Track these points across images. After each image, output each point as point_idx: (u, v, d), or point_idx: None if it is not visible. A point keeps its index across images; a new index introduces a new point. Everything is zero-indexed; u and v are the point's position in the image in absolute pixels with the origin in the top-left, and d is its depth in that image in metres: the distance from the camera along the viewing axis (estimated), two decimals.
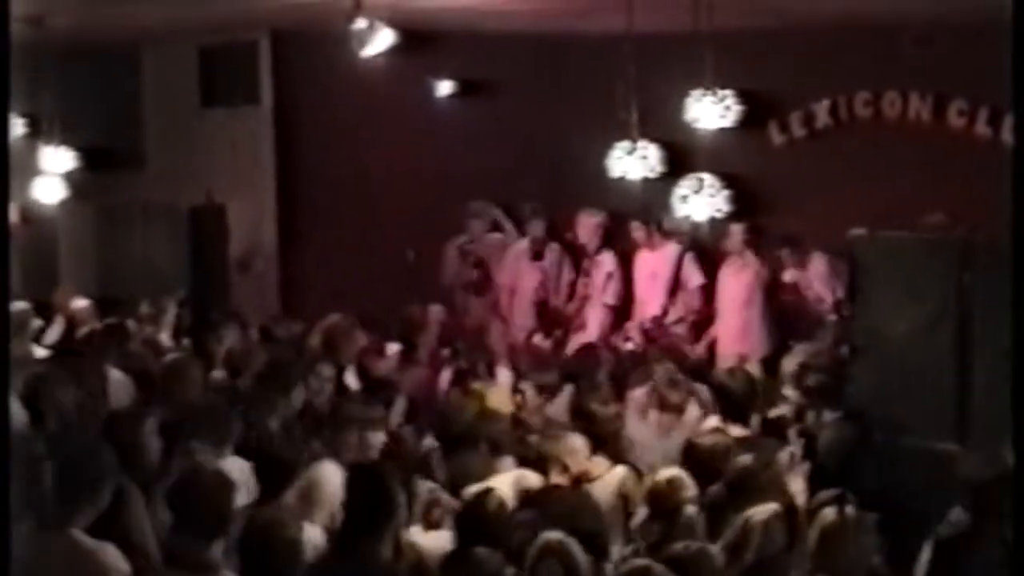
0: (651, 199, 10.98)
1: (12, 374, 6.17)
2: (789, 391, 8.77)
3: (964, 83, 10.80)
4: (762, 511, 5.71)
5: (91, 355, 8.80)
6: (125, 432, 6.42)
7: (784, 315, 11.24)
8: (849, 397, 8.07)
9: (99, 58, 13.67)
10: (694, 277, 11.80)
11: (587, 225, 12.28)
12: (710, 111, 9.95)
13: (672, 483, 6.40)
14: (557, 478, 6.94)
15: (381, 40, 8.92)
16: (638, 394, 8.51)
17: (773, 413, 8.54)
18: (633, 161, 9.59)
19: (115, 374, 8.47)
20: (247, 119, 13.58)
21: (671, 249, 11.89)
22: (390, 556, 5.32)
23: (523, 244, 12.66)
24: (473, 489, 6.32)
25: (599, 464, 7.17)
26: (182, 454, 6.38)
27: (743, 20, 9.80)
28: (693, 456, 6.82)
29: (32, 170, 11.79)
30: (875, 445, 7.56)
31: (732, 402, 8.32)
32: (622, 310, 12.15)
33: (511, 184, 12.90)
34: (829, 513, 5.57)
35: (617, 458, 7.45)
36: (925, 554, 5.98)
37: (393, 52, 9.34)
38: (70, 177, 12.10)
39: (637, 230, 11.94)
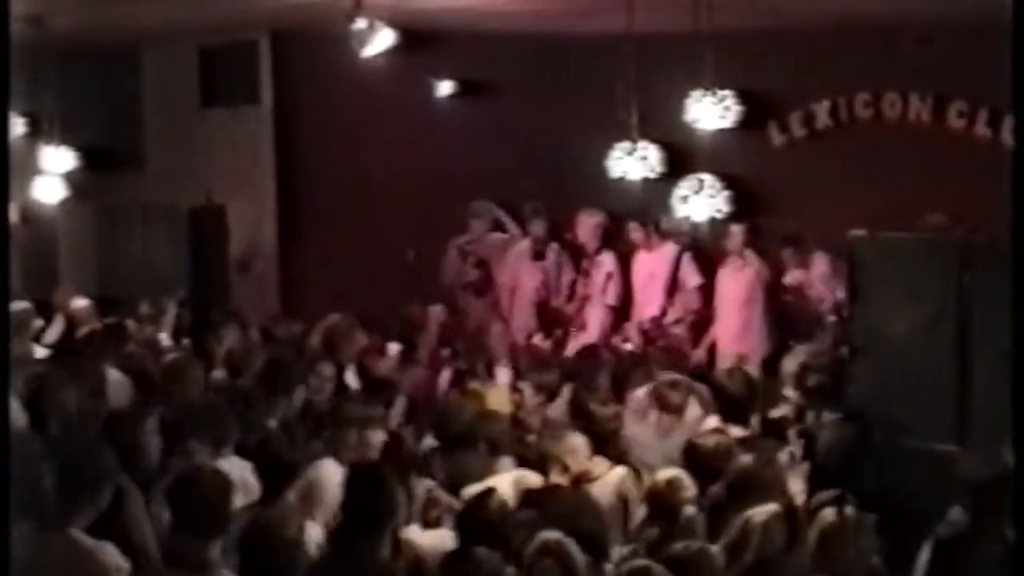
0: (651, 200, 10.98)
1: (12, 374, 6.16)
2: (789, 391, 8.76)
3: (964, 84, 10.80)
4: (762, 511, 5.71)
5: (90, 355, 8.80)
6: (125, 432, 6.43)
7: (784, 315, 11.25)
8: (849, 397, 8.07)
9: (99, 58, 13.67)
10: (692, 277, 11.80)
11: (587, 225, 12.28)
12: (710, 111, 9.96)
13: (671, 483, 6.40)
14: (557, 478, 6.94)
15: (381, 40, 8.92)
16: (638, 395, 8.52)
17: (773, 414, 8.54)
18: (633, 161, 9.60)
19: (113, 374, 8.47)
20: (247, 119, 13.58)
21: (669, 250, 11.89)
22: (389, 555, 5.32)
23: (524, 244, 12.66)
24: (474, 489, 6.33)
25: (599, 465, 7.17)
26: (182, 454, 6.39)
27: (743, 20, 9.80)
28: (694, 457, 6.81)
29: (32, 170, 11.79)
30: (875, 445, 7.56)
31: (731, 403, 8.32)
32: (622, 311, 12.15)
33: (511, 184, 12.90)
34: (829, 514, 5.57)
35: (617, 458, 7.46)
36: (924, 554, 5.98)
37: (393, 52, 9.34)
38: (70, 177, 12.10)
39: (635, 231, 11.94)
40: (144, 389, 8.30)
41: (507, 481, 6.70)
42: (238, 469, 6.27)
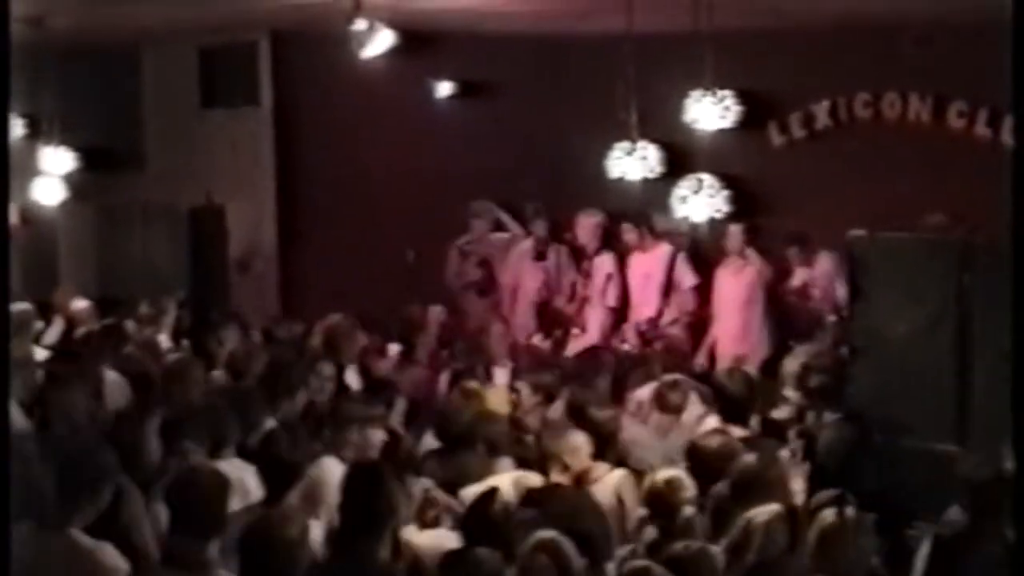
0: (650, 200, 10.98)
1: (12, 375, 6.17)
2: (790, 392, 8.76)
3: (964, 84, 10.81)
4: (764, 512, 5.71)
5: (88, 356, 8.80)
6: (126, 433, 6.44)
7: (783, 315, 11.25)
8: (848, 398, 8.07)
9: (99, 59, 13.67)
10: (687, 278, 11.81)
11: (586, 226, 12.27)
12: (710, 112, 9.96)
13: (671, 484, 6.39)
14: (558, 477, 6.94)
15: (381, 41, 8.92)
16: (638, 395, 8.51)
17: (775, 414, 8.53)
18: (632, 162, 9.60)
19: (111, 375, 8.47)
20: (247, 120, 13.58)
21: (664, 250, 11.90)
22: (389, 556, 5.32)
23: (526, 244, 12.65)
24: (476, 489, 6.32)
25: (599, 467, 7.16)
26: (182, 455, 6.40)
27: (743, 21, 9.80)
28: (697, 457, 6.79)
29: (32, 171, 11.79)
30: (875, 445, 7.55)
31: (731, 403, 8.31)
32: (621, 311, 12.15)
33: (511, 185, 12.91)
34: (828, 514, 5.57)
35: (616, 461, 7.45)
36: (923, 553, 5.98)
37: (393, 53, 9.34)
38: (70, 178, 12.11)
39: (628, 232, 11.95)
40: (143, 390, 8.31)
41: (507, 482, 6.69)
42: (237, 471, 6.28)
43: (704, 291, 11.71)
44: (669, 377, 8.46)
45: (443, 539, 5.92)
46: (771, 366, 9.94)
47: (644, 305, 11.87)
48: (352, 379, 9.05)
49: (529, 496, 6.09)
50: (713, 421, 7.97)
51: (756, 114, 11.43)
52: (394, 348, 10.51)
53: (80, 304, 11.34)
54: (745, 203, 10.74)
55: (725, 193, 9.18)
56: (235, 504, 5.53)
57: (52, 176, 11.93)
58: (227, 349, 9.67)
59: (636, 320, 11.81)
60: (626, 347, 11.01)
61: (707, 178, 9.03)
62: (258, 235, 13.62)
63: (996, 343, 7.06)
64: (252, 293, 13.40)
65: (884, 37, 10.98)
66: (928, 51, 10.99)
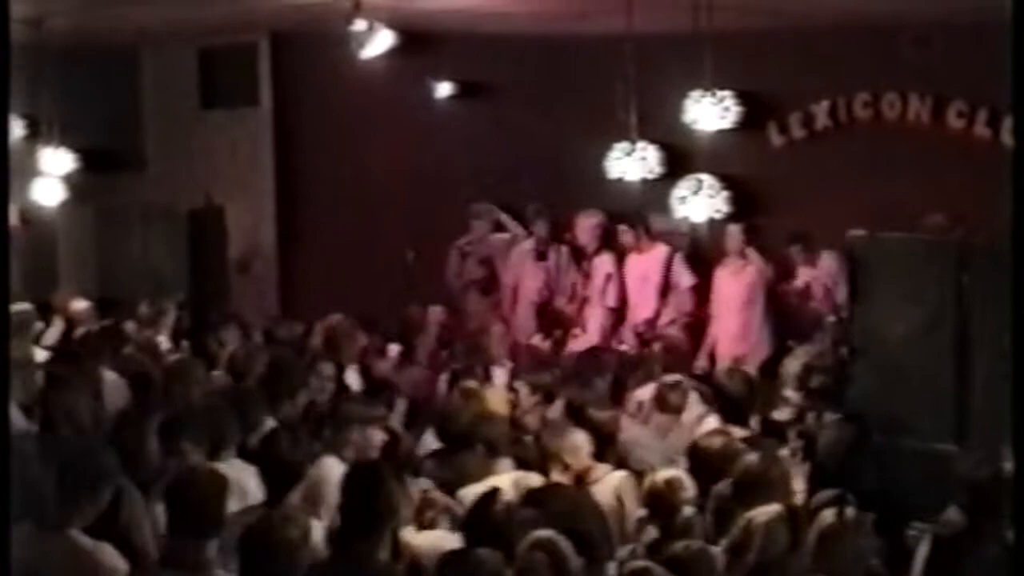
0: (649, 200, 10.98)
1: (12, 375, 6.17)
2: (791, 393, 8.76)
3: (963, 84, 10.80)
4: (764, 512, 5.71)
5: (86, 357, 8.80)
6: (127, 433, 6.44)
7: (783, 316, 11.25)
8: (848, 398, 8.08)
9: (99, 60, 13.67)
10: (685, 278, 11.80)
11: (585, 226, 12.27)
12: (709, 112, 9.95)
13: (670, 484, 6.39)
14: (558, 476, 6.93)
15: (380, 42, 8.93)
16: (638, 395, 8.52)
17: (776, 415, 8.53)
18: (632, 162, 9.59)
19: (110, 376, 8.46)
20: (246, 121, 13.59)
21: (660, 251, 11.89)
22: (388, 557, 5.32)
23: (527, 244, 12.65)
24: (475, 490, 6.32)
25: (599, 466, 7.16)
26: (180, 455, 6.40)
27: (742, 21, 9.80)
28: (699, 458, 6.79)
29: (32, 172, 11.78)
30: (874, 446, 7.56)
31: (731, 403, 8.31)
32: (621, 312, 12.14)
33: (510, 185, 12.90)
34: (828, 514, 5.57)
35: (616, 461, 7.45)
36: (921, 554, 5.98)
37: (392, 54, 9.35)
38: (70, 179, 12.10)
39: (625, 233, 11.95)
40: (142, 391, 8.31)
41: (506, 482, 6.69)
42: (237, 472, 6.28)
43: (703, 291, 11.70)
44: (669, 377, 8.47)
45: (442, 540, 5.91)
46: (771, 366, 9.94)
47: (641, 306, 11.87)
48: (352, 379, 9.06)
49: (529, 496, 6.09)
50: (713, 421, 7.98)
51: (756, 114, 11.42)
52: (394, 348, 10.51)
53: (80, 305, 11.35)
54: (745, 203, 10.73)
55: (725, 193, 9.18)
56: (233, 505, 5.53)
57: (52, 177, 11.92)
58: (228, 350, 9.67)
59: (633, 321, 11.81)
60: (623, 348, 11.01)
61: (707, 178, 9.03)
62: (257, 236, 13.62)
63: (995, 343, 7.06)
64: (252, 294, 13.40)
65: (884, 37, 10.97)
66: (928, 51, 10.98)
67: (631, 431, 8.09)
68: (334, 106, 12.87)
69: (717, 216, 9.44)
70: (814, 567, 5.45)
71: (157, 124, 14.36)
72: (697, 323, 11.68)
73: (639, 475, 7.09)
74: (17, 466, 5.03)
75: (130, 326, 10.54)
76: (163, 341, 10.36)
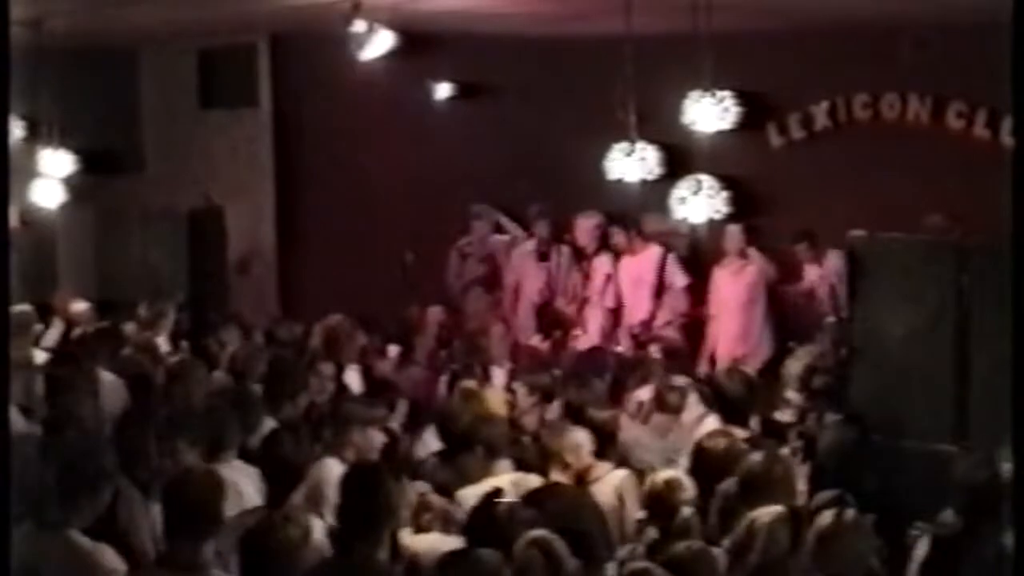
0: (649, 201, 10.97)
1: (12, 376, 6.18)
2: (792, 394, 8.76)
3: (963, 85, 10.80)
4: (767, 513, 5.71)
5: (83, 358, 8.80)
6: (127, 434, 6.45)
7: (785, 316, 11.25)
8: (848, 398, 8.08)
9: (98, 61, 13.68)
10: (678, 278, 11.81)
11: (585, 227, 12.27)
12: (709, 113, 9.94)
13: (670, 484, 6.39)
14: (558, 476, 6.92)
15: (380, 43, 8.94)
16: (637, 396, 8.51)
17: (778, 417, 8.53)
18: (631, 163, 9.58)
19: (108, 377, 8.46)
20: (246, 122, 13.61)
21: (653, 252, 11.89)
22: (387, 558, 5.32)
23: (529, 245, 12.65)
24: (474, 491, 6.32)
25: (600, 465, 7.15)
26: (174, 455, 6.40)
27: (742, 22, 9.80)
28: (703, 460, 6.77)
29: (32, 173, 11.78)
30: (874, 446, 7.56)
31: (731, 403, 8.30)
32: (621, 313, 12.14)
33: (509, 186, 12.90)
34: (828, 515, 5.57)
35: (617, 460, 7.45)
36: (917, 555, 5.98)
37: (392, 55, 9.35)
38: (69, 180, 12.10)
39: (617, 235, 11.95)
40: (141, 392, 8.31)
41: (505, 484, 6.68)
42: (236, 473, 6.28)
43: (700, 291, 11.70)
44: (668, 377, 8.47)
45: (442, 542, 5.90)
46: (772, 367, 9.94)
47: (636, 308, 11.87)
48: (352, 380, 9.06)
49: (529, 496, 6.09)
50: (713, 422, 7.97)
51: (755, 115, 11.41)
52: (393, 349, 10.52)
53: (79, 306, 11.36)
54: (744, 204, 10.73)
55: (724, 194, 9.17)
56: (228, 508, 5.52)
57: (51, 178, 11.93)
58: (228, 350, 9.68)
59: (629, 323, 11.81)
60: (619, 350, 11.00)
61: (706, 179, 9.02)
62: (257, 236, 13.64)
63: (995, 344, 7.06)
64: (251, 294, 13.42)
65: (883, 38, 10.97)
66: (927, 52, 10.98)
67: (631, 431, 8.08)
68: (334, 107, 12.88)
69: (716, 217, 9.43)
70: (814, 568, 5.45)
71: (157, 125, 14.37)
72: (694, 323, 11.69)
73: (640, 473, 7.08)
74: (17, 466, 5.02)
75: (130, 327, 10.54)
76: (162, 343, 10.37)
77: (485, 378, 9.39)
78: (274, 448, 6.69)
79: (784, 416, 8.52)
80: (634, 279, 11.91)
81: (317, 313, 10.37)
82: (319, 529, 5.59)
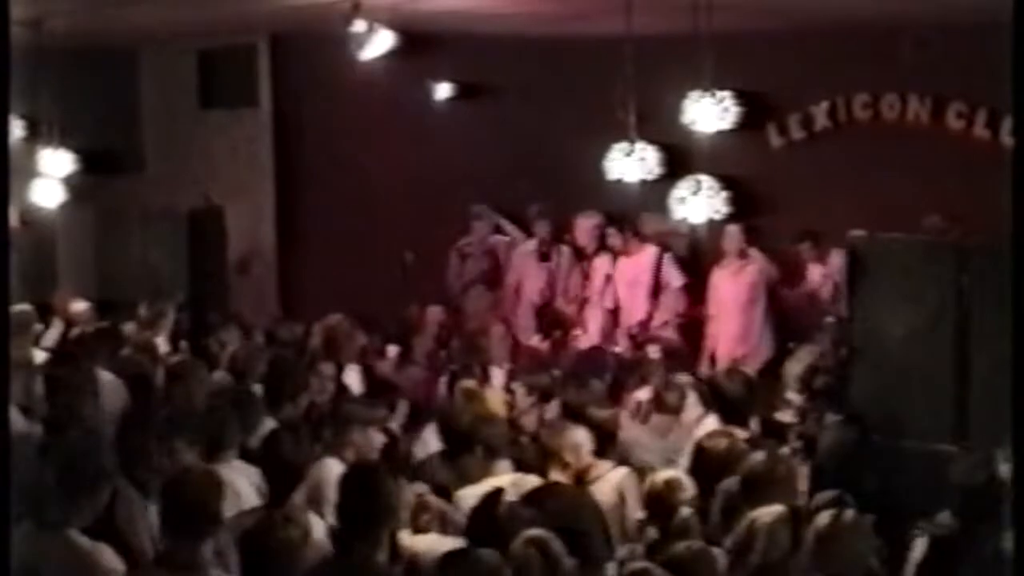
0: (647, 201, 10.97)
1: (12, 376, 6.17)
2: (792, 395, 8.75)
3: (963, 85, 10.81)
4: (768, 513, 5.71)
5: (82, 358, 8.81)
6: (126, 434, 6.45)
7: (787, 317, 11.24)
8: (848, 399, 8.08)
9: (98, 61, 13.68)
10: (675, 278, 11.81)
11: (584, 228, 12.28)
12: (708, 113, 9.93)
13: (670, 484, 6.39)
14: (557, 475, 6.91)
15: (380, 43, 8.94)
16: (637, 396, 8.52)
17: (777, 416, 8.52)
18: (631, 163, 9.58)
19: (107, 377, 8.46)
20: (246, 122, 13.61)
21: (649, 252, 11.90)
22: (387, 559, 5.31)
23: (530, 245, 12.65)
24: (475, 491, 6.32)
25: (601, 463, 7.15)
26: (172, 455, 6.40)
27: (742, 22, 9.80)
28: (704, 460, 6.76)
29: (31, 173, 11.78)
30: (874, 446, 7.56)
31: (730, 404, 8.30)
32: (620, 314, 12.14)
33: (509, 186, 12.91)
34: (828, 515, 5.57)
35: (617, 458, 7.45)
36: (914, 555, 5.98)
37: (392, 55, 9.35)
38: (69, 180, 12.10)
39: (612, 237, 11.95)
40: (141, 392, 8.31)
41: (505, 484, 6.68)
42: (231, 475, 6.27)
43: (698, 291, 11.70)
44: (667, 378, 8.47)
45: (441, 543, 5.90)
46: (772, 368, 9.93)
47: (633, 309, 11.87)
48: (352, 380, 9.06)
49: (528, 495, 6.09)
50: (712, 422, 7.97)
51: (755, 115, 11.41)
52: (392, 350, 10.52)
53: (79, 306, 11.36)
54: (744, 204, 10.73)
55: (724, 194, 9.17)
56: (226, 508, 5.51)
57: (51, 178, 11.92)
58: (229, 350, 9.68)
59: (626, 324, 11.81)
60: (617, 350, 11.00)
61: (706, 179, 9.02)
62: (257, 236, 13.64)
63: (995, 344, 7.06)
64: (251, 294, 13.42)
65: (883, 38, 10.97)
66: (927, 52, 10.98)
67: (631, 430, 8.09)
68: (334, 107, 12.88)
69: (716, 217, 9.43)
70: (814, 568, 5.45)
71: (157, 125, 14.38)
72: (693, 324, 11.68)
73: (640, 473, 7.08)
74: (17, 466, 5.03)
75: (129, 327, 10.54)
76: (162, 343, 10.36)
77: (484, 378, 9.39)
78: (274, 448, 6.68)
79: (784, 417, 8.52)
80: (630, 280, 11.91)
81: (317, 313, 10.38)
82: (320, 529, 5.59)
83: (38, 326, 10.58)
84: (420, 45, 11.40)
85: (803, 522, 5.71)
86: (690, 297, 11.78)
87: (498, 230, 13.04)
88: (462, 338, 10.70)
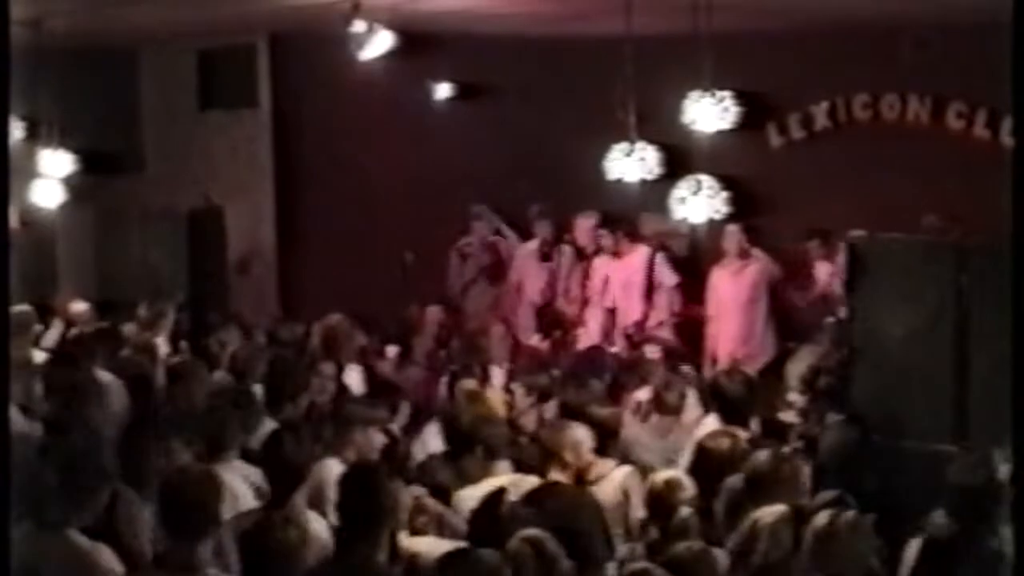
0: (647, 201, 10.97)
1: (12, 377, 6.17)
2: (794, 395, 8.75)
3: (963, 85, 10.81)
4: (771, 512, 5.70)
5: (81, 358, 8.80)
6: (126, 435, 6.45)
7: (789, 317, 11.24)
8: (848, 399, 8.08)
9: (98, 61, 13.68)
10: (668, 278, 11.81)
11: (584, 228, 12.28)
12: (708, 113, 9.94)
13: (670, 484, 6.39)
14: (557, 475, 6.90)
15: (379, 43, 8.94)
16: (636, 396, 8.51)
17: (779, 416, 8.52)
18: (631, 163, 9.58)
19: (106, 377, 8.46)
20: (246, 122, 13.61)
21: (641, 253, 11.90)
22: (386, 560, 5.31)
23: (532, 245, 12.65)
24: (475, 492, 6.31)
25: (604, 462, 7.14)
26: (168, 455, 6.39)
27: (742, 22, 9.80)
28: (706, 460, 6.75)
29: (31, 173, 11.79)
30: (874, 446, 7.56)
31: (730, 404, 8.30)
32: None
33: (509, 186, 12.91)
34: (827, 515, 5.57)
35: (619, 457, 7.44)
36: (909, 555, 5.98)
37: (391, 55, 9.35)
38: (69, 180, 12.11)
39: (604, 238, 11.95)
40: (140, 393, 8.31)
41: (504, 484, 6.67)
42: (229, 476, 6.27)
43: (696, 291, 11.69)
44: (667, 378, 8.46)
45: (440, 545, 5.89)
46: (773, 367, 9.93)
47: (628, 309, 11.87)
48: (352, 380, 9.06)
49: (528, 495, 6.08)
50: (712, 422, 7.96)
51: (755, 115, 11.42)
52: (392, 350, 10.52)
53: (79, 307, 11.35)
54: (744, 204, 10.73)
55: (724, 194, 9.17)
56: (225, 510, 5.51)
57: (51, 178, 11.93)
58: (229, 350, 9.68)
59: (623, 325, 11.81)
60: (614, 350, 11.00)
61: (706, 179, 9.02)
62: (257, 237, 13.64)
63: (994, 344, 7.06)
64: (251, 294, 13.42)
65: (883, 38, 10.97)
66: (927, 52, 10.98)
67: (631, 429, 8.08)
68: (333, 107, 12.88)
69: (716, 217, 9.43)
70: (814, 568, 5.44)
71: (156, 125, 14.38)
72: (691, 323, 11.68)
73: (641, 472, 7.07)
74: (17, 466, 5.03)
75: (129, 328, 10.53)
76: (162, 343, 10.36)
77: (484, 378, 9.38)
78: (275, 448, 6.68)
79: (786, 416, 8.52)
80: (623, 281, 11.91)
81: (317, 313, 10.37)
82: (323, 529, 5.58)
83: (38, 326, 10.58)
84: (420, 45, 11.40)
85: (806, 522, 5.70)
86: (686, 296, 11.77)
87: (497, 234, 13.04)
88: (462, 338, 10.70)
